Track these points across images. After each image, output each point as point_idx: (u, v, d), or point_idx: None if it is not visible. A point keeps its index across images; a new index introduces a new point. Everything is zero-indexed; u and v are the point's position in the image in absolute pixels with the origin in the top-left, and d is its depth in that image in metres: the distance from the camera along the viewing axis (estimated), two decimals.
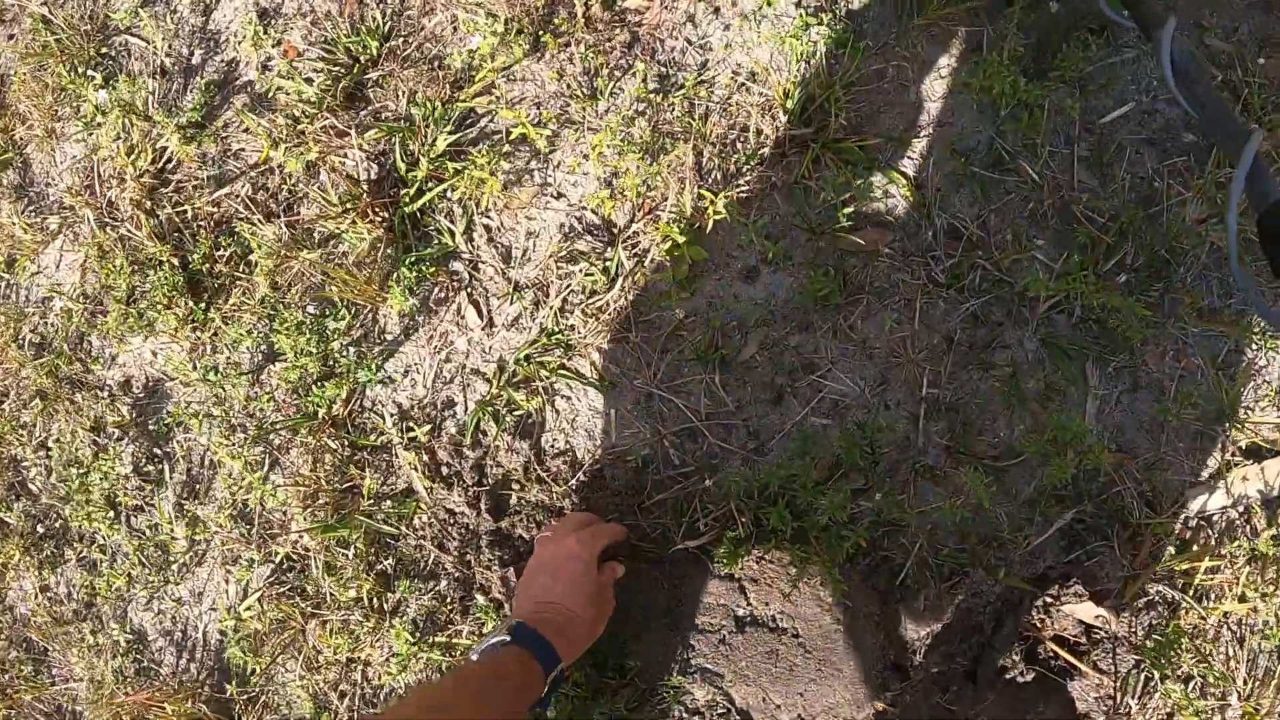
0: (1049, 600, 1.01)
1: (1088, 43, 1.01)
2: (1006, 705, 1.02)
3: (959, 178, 0.99)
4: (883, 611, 1.00)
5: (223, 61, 1.22)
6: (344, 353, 1.05)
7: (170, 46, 1.27)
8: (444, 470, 1.02)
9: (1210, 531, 1.01)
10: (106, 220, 1.24)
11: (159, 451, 1.19)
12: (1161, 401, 0.98)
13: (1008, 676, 1.00)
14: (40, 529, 1.32)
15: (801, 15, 1.00)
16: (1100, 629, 1.02)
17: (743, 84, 1.00)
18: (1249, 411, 0.98)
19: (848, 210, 0.96)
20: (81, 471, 1.25)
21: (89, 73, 1.31)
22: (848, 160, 0.97)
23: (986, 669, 1.00)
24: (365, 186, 1.04)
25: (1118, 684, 1.00)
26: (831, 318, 0.97)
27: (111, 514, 1.23)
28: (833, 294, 0.95)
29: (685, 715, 0.93)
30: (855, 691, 0.93)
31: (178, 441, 1.18)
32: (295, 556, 1.09)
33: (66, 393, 1.27)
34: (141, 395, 1.22)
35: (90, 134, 1.30)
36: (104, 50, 1.34)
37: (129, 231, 1.19)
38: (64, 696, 1.35)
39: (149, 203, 1.19)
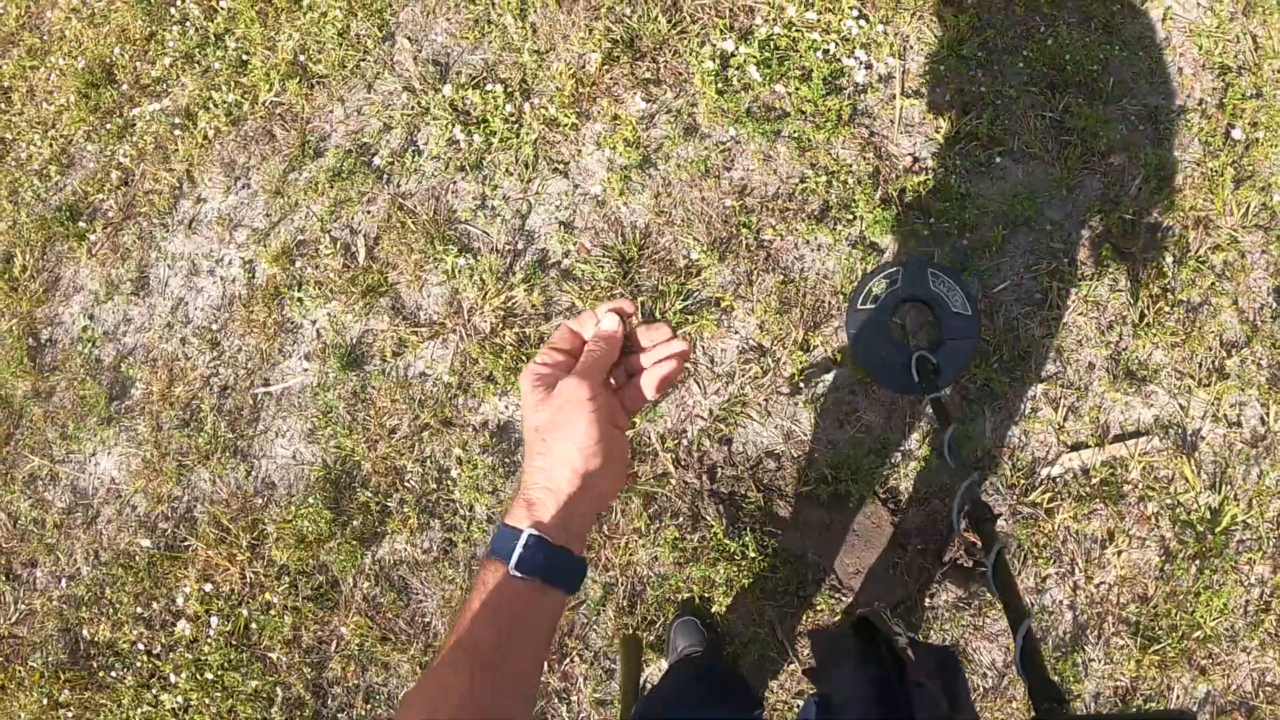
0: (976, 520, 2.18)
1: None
2: (956, 575, 2.16)
3: (925, 324, 2.17)
4: (892, 520, 2.15)
5: (538, 249, 2.29)
6: None
7: (501, 237, 2.32)
8: (683, 460, 2.12)
9: (1054, 481, 2.19)
10: (469, 333, 2.28)
11: (509, 460, 2.24)
12: (1024, 422, 2.17)
13: (957, 562, 2.15)
14: (417, 507, 2.31)
15: (850, 249, 2.17)
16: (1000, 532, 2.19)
17: (821, 278, 2.16)
18: (1067, 430, 2.18)
19: None
20: (451, 476, 2.26)
21: (447, 246, 2.34)
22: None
23: (944, 556, 2.16)
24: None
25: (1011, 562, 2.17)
26: (871, 393, 2.13)
27: (474, 496, 2.25)
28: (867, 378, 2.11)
29: (804, 567, 2.06)
30: (880, 553, 2.08)
31: (521, 455, 2.22)
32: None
33: (440, 426, 2.29)
34: (495, 430, 2.26)
35: (451, 280, 2.33)
36: (450, 232, 2.37)
37: (494, 346, 2.23)
38: (420, 612, 2.34)
39: (503, 325, 2.24)
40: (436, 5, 2.57)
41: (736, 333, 2.15)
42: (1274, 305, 2.15)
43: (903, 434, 2.12)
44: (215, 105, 2.77)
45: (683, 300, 2.15)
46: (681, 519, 2.11)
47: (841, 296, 2.14)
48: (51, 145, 3.15)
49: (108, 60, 3.12)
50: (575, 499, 0.68)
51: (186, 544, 2.57)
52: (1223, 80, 2.36)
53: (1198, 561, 2.00)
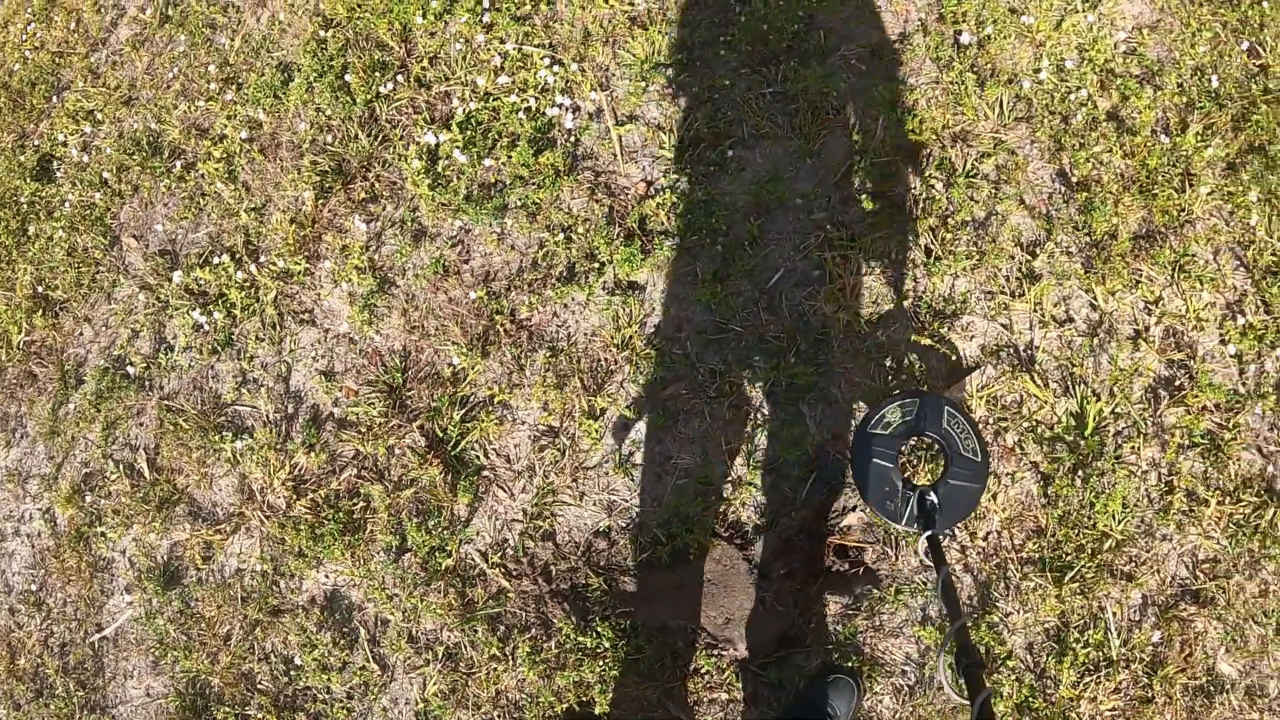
0: (834, 522, 2.03)
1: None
2: (839, 584, 2.03)
3: (709, 343, 2.07)
4: (745, 555, 2.02)
5: (309, 406, 2.17)
6: (442, 534, 2.00)
7: (269, 406, 2.20)
8: (513, 570, 1.98)
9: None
10: (267, 515, 2.14)
11: (347, 628, 2.08)
12: (847, 403, 2.06)
13: (833, 570, 2.00)
14: (276, 707, 2.15)
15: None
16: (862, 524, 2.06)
17: (590, 337, 2.05)
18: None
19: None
20: (297, 664, 2.11)
21: (222, 434, 2.21)
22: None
23: (818, 570, 2.01)
24: (423, 450, 2.01)
25: (884, 548, 2.04)
26: (679, 433, 2.01)
27: (326, 677, 2.09)
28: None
29: (670, 636, 1.91)
30: (744, 596, 1.94)
31: (358, 619, 2.08)
32: (453, 645, 2.01)
33: (270, 618, 2.13)
34: (324, 603, 2.11)
35: (236, 467, 2.19)
36: (221, 419, 2.25)
37: (292, 521, 2.10)
38: None
39: (295, 495, 2.10)
40: (150, 194, 2.48)
41: (523, 423, 2.04)
42: (1062, 190, 2.07)
43: (724, 465, 2.00)
44: None
45: (460, 409, 2.04)
46: (533, 630, 1.97)
47: (615, 349, 2.03)
48: None
49: None
50: None
51: None
52: None
53: (1079, 472, 1.86)
